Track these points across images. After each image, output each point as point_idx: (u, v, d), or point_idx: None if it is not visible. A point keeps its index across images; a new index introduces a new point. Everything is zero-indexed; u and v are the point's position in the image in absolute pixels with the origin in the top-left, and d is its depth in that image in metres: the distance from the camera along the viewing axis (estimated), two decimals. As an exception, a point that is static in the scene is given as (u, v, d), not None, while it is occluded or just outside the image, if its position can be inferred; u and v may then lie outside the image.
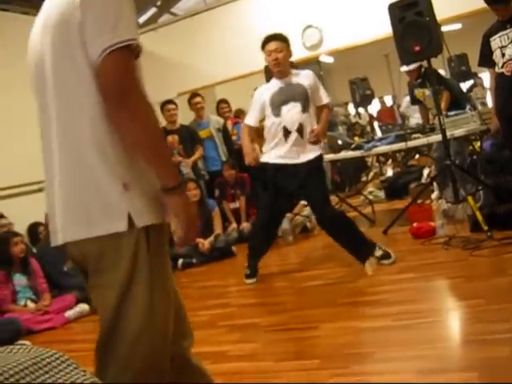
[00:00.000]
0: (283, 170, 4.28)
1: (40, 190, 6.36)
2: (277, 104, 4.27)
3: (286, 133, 4.25)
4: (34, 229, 5.95)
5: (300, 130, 4.23)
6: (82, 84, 1.48)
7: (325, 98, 4.40)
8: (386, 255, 4.16)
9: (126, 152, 1.49)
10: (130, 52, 1.44)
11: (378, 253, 4.15)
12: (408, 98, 8.73)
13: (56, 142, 1.54)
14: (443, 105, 5.81)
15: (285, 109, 4.24)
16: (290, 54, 4.37)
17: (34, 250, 5.45)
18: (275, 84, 4.35)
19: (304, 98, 4.24)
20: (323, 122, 4.37)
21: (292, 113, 4.23)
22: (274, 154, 4.31)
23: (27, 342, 3.90)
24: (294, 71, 4.40)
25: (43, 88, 1.57)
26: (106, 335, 1.57)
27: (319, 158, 4.32)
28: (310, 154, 4.25)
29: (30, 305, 4.67)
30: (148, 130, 1.46)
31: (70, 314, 4.63)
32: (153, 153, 1.48)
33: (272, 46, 4.28)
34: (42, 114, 1.61)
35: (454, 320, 3.04)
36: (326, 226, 4.33)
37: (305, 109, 4.23)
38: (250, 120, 4.45)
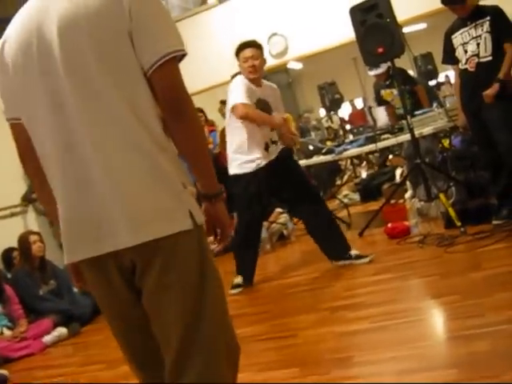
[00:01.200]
0: (264, 171, 4.31)
1: (13, 215, 6.28)
2: None
3: (267, 146, 4.36)
4: (7, 254, 5.84)
5: (275, 142, 4.41)
6: (137, 85, 1.47)
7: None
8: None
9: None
10: (177, 61, 1.48)
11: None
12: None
13: (115, 143, 1.45)
14: (422, 100, 5.87)
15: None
16: (264, 61, 4.40)
17: (9, 276, 5.35)
18: (253, 91, 4.31)
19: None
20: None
21: (267, 130, 4.36)
22: (254, 163, 4.32)
23: (5, 372, 3.83)
24: (263, 82, 4.43)
25: (82, 87, 1.45)
26: (186, 335, 1.51)
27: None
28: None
29: (7, 332, 4.58)
30: (201, 139, 1.56)
31: (47, 339, 4.54)
32: (203, 160, 1.56)
33: (248, 52, 4.27)
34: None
35: (431, 318, 3.05)
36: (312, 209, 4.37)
37: None
38: (245, 99, 4.21)
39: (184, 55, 1.49)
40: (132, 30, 1.43)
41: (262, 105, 4.32)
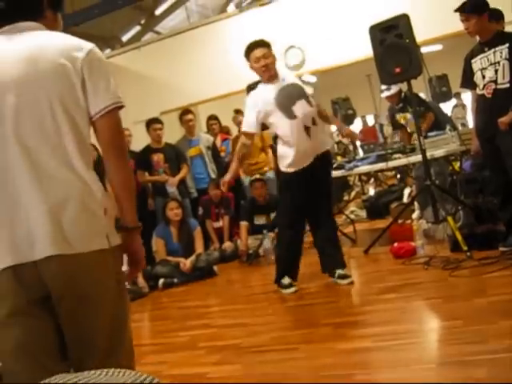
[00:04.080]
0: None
1: None
2: (286, 106, 4.25)
3: (307, 129, 4.25)
4: None
5: (314, 122, 4.28)
6: (76, 128, 1.68)
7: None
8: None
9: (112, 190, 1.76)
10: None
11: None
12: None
13: (51, 174, 1.64)
14: (425, 125, 5.87)
15: (297, 108, 4.23)
16: (275, 58, 4.37)
17: None
18: (270, 89, 4.30)
19: (304, 94, 4.28)
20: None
21: (304, 110, 4.23)
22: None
23: None
24: (280, 76, 4.36)
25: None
26: (104, 351, 1.71)
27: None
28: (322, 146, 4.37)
29: None
30: (131, 178, 1.79)
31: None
32: (131, 197, 1.78)
33: (259, 52, 4.28)
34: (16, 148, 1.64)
35: (432, 341, 3.04)
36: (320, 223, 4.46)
37: (310, 103, 4.28)
38: (250, 127, 4.34)
39: (122, 107, 1.74)
40: (84, 84, 1.69)
41: (285, 93, 4.26)
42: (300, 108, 4.21)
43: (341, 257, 4.43)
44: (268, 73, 4.29)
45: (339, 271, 4.33)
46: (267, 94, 4.29)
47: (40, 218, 1.62)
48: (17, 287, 1.62)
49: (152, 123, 6.64)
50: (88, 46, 1.73)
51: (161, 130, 6.62)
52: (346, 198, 8.89)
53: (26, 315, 1.64)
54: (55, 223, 1.62)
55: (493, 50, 4.07)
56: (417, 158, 5.09)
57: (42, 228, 1.62)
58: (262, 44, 4.33)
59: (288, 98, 4.24)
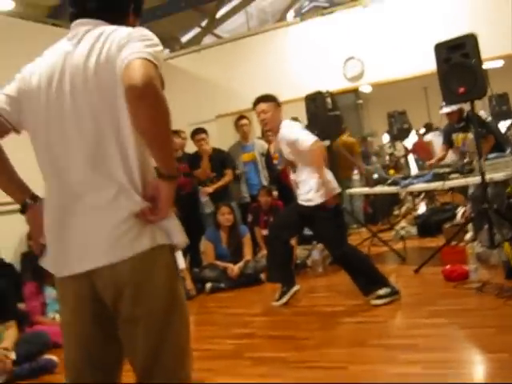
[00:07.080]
0: None
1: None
2: None
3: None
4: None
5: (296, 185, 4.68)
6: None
7: (304, 145, 4.38)
8: (393, 293, 4.32)
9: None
10: (156, 68, 1.54)
11: (384, 291, 4.31)
12: (429, 137, 8.84)
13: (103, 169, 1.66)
14: (486, 147, 5.73)
15: None
16: (278, 111, 4.64)
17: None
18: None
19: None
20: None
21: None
22: None
23: (54, 357, 3.94)
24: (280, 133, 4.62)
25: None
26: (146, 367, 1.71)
27: (316, 208, 4.45)
28: (306, 202, 4.53)
29: (58, 317, 4.70)
30: (168, 118, 1.55)
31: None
32: (168, 139, 1.61)
33: (258, 108, 4.63)
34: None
35: (483, 374, 2.96)
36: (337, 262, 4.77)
37: (293, 169, 4.71)
38: None
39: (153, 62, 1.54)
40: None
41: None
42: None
43: (360, 285, 4.45)
44: (265, 127, 4.79)
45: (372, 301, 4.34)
46: None
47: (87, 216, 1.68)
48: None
49: (195, 134, 6.66)
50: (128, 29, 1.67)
51: (204, 140, 6.61)
52: (396, 212, 8.79)
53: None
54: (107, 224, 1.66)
55: None
56: (474, 179, 4.99)
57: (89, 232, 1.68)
58: (264, 99, 4.65)
59: None
